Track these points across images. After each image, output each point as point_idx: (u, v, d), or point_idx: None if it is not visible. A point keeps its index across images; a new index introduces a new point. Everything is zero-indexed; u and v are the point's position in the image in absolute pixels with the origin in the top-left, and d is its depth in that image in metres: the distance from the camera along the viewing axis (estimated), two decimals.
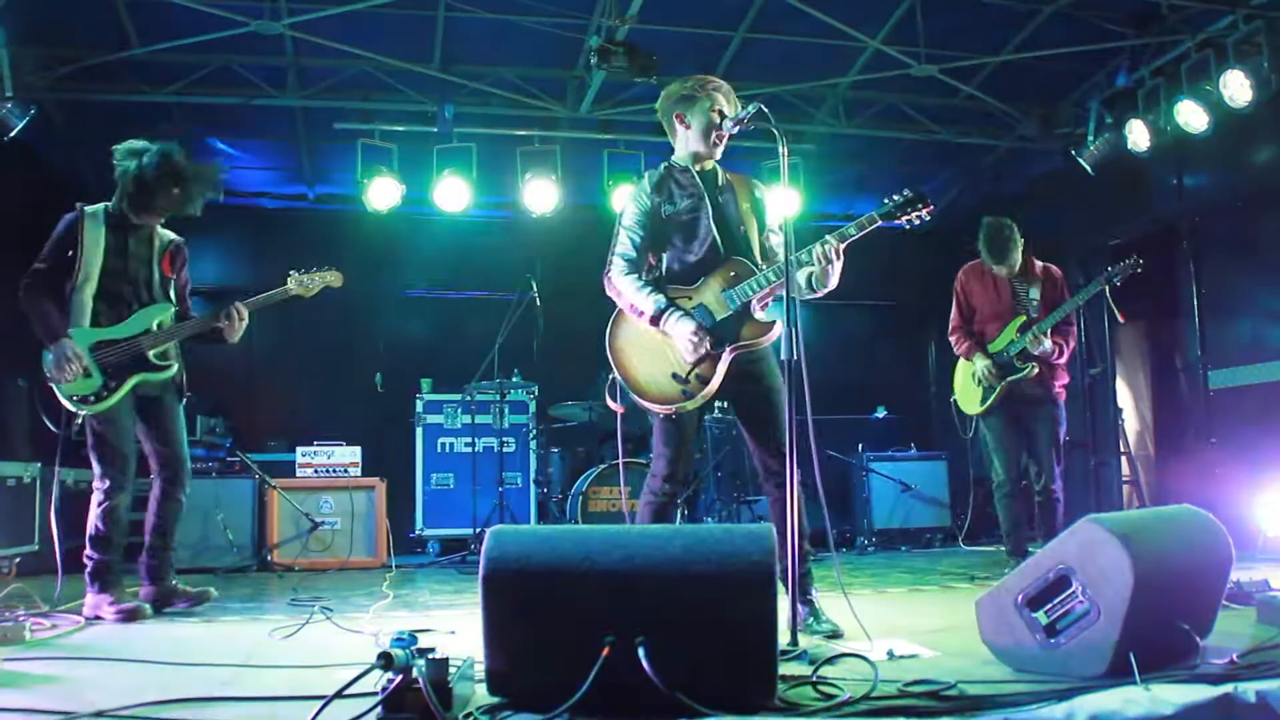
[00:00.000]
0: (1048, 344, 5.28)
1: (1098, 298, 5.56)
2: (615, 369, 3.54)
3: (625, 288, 3.52)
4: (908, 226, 3.58)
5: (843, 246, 3.40)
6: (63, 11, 5.92)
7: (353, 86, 6.93)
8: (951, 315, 5.67)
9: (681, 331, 3.40)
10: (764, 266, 3.52)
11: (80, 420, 4.05)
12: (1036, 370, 5.34)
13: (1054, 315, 5.34)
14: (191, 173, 4.23)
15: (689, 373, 3.43)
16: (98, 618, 3.96)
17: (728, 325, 3.47)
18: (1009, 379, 5.38)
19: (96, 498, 4.06)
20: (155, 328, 4.18)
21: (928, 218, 3.51)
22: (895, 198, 3.51)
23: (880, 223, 3.42)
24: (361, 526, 6.45)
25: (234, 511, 6.20)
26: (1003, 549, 5.75)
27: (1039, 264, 5.57)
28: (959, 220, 8.64)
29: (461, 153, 7.16)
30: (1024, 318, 5.40)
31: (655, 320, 3.44)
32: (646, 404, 3.48)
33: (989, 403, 5.45)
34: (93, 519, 4.06)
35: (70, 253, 4.06)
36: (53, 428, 4.09)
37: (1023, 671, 2.53)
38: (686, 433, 3.54)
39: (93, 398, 4.02)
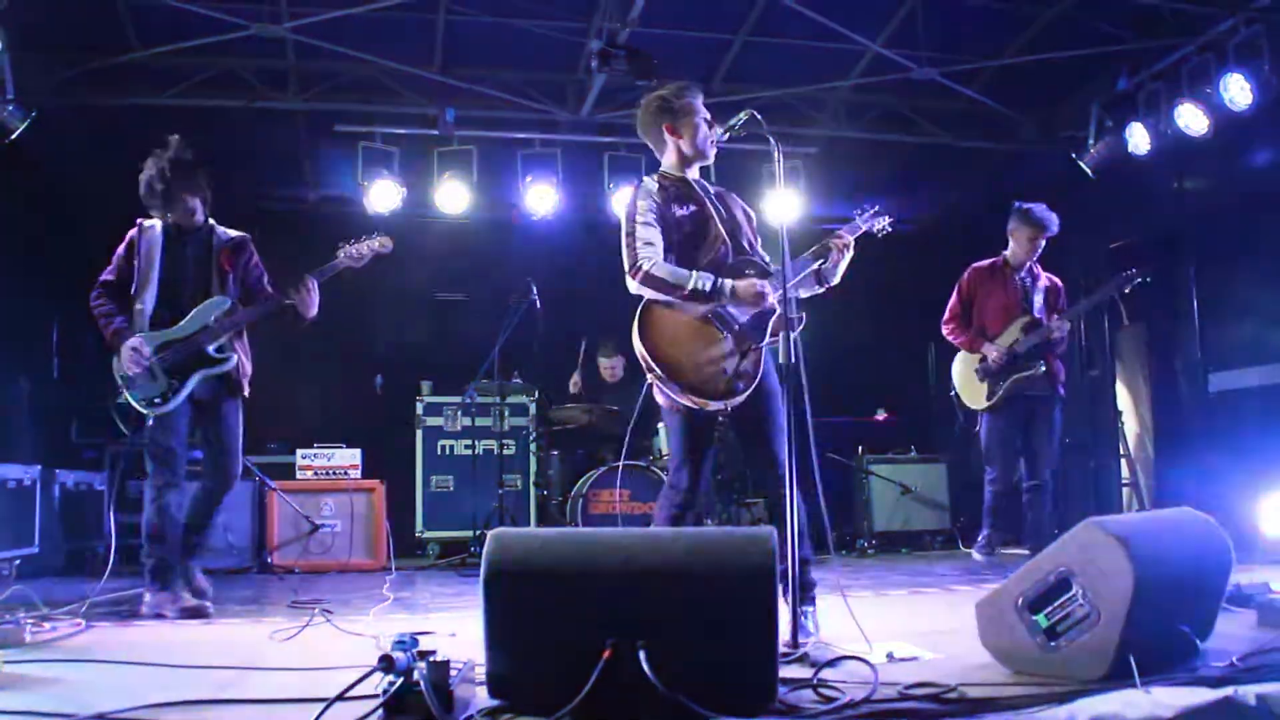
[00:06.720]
0: (1066, 326, 5.50)
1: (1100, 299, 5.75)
2: (656, 363, 3.31)
3: (666, 273, 3.37)
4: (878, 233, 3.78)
5: (853, 239, 3.51)
6: (64, 14, 5.92)
7: (353, 89, 6.92)
8: (950, 304, 5.84)
9: (745, 286, 3.37)
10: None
11: (150, 423, 4.12)
12: (1044, 368, 5.48)
13: (1077, 308, 5.71)
14: (185, 161, 4.31)
15: (736, 367, 3.37)
16: (160, 616, 4.01)
17: (760, 321, 3.45)
18: (1015, 376, 5.51)
19: (149, 494, 4.14)
20: (213, 321, 4.25)
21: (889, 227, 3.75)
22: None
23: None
24: (361, 529, 6.44)
25: (234, 514, 6.16)
26: (1002, 551, 5.85)
27: (1044, 274, 5.82)
28: (959, 224, 8.66)
29: (462, 155, 7.18)
30: (1029, 317, 5.60)
31: (712, 293, 3.35)
32: (699, 399, 3.32)
33: (995, 400, 5.57)
34: (146, 517, 4.14)
35: (131, 265, 4.26)
36: (125, 431, 4.20)
37: (1023, 674, 2.53)
38: (709, 437, 3.51)
39: (159, 400, 4.13)
